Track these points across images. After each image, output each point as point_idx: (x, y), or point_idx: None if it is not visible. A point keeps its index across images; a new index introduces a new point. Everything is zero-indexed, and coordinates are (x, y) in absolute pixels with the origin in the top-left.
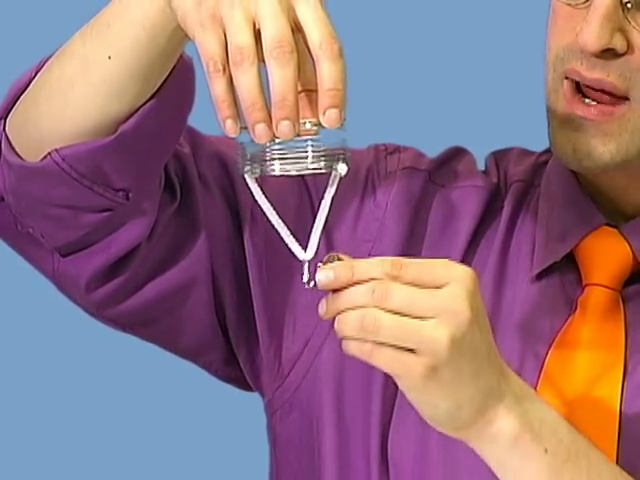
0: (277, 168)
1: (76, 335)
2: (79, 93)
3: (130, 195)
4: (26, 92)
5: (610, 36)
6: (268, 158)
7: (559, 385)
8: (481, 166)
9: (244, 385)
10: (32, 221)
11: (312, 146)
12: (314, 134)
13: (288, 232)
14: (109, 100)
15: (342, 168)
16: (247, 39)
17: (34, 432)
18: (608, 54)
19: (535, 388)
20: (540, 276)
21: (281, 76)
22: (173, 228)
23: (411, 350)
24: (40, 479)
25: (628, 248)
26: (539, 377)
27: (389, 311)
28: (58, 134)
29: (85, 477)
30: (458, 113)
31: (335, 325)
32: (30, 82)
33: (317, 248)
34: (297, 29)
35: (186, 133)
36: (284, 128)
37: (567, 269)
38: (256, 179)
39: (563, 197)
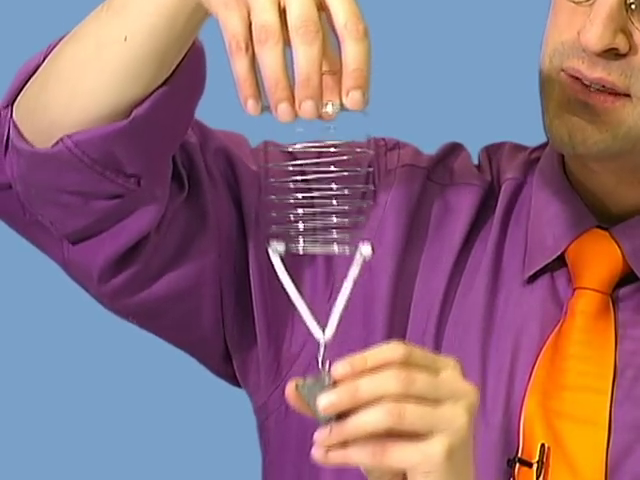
0: (302, 248)
1: (68, 332)
2: (92, 77)
3: (142, 181)
4: (34, 77)
5: (613, 36)
6: (293, 236)
7: (548, 390)
8: (474, 161)
9: (238, 382)
10: (41, 208)
11: (337, 231)
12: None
13: (308, 310)
14: (122, 84)
15: (367, 251)
16: (272, 18)
17: (27, 426)
18: (610, 54)
19: (524, 393)
20: (532, 278)
21: (306, 55)
22: (182, 219)
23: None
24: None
25: (618, 251)
26: (528, 382)
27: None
28: (69, 119)
29: (76, 474)
30: (452, 108)
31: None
32: (38, 67)
33: (336, 330)
34: (322, 8)
35: (194, 125)
36: (307, 107)
37: (559, 271)
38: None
39: (555, 197)
